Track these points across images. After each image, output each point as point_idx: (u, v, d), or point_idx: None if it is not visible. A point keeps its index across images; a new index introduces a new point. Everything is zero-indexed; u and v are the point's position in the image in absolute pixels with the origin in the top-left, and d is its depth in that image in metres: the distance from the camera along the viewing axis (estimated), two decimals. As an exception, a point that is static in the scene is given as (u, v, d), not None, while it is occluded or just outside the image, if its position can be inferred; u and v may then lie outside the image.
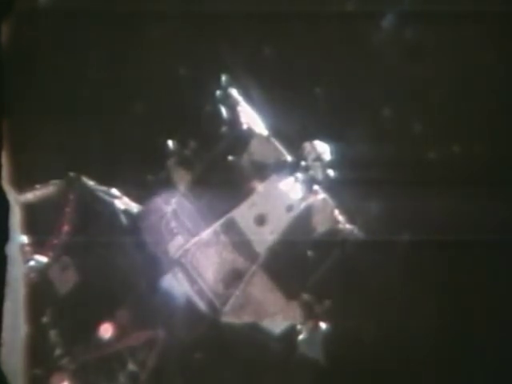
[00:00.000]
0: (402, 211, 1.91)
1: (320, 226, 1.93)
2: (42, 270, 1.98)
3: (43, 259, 1.98)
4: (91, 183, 1.98)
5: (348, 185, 1.93)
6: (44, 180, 2.00)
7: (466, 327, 1.91)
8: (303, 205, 1.93)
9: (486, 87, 1.97)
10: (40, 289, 1.98)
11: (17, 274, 1.99)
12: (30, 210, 1.99)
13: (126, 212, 1.97)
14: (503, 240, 1.92)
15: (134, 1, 2.00)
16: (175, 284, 1.94)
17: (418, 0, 1.98)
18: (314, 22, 1.98)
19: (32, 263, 1.97)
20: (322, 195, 1.94)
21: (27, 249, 1.98)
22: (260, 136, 1.96)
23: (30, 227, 2.00)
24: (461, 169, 1.95)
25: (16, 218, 2.01)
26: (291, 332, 1.93)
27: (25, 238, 1.98)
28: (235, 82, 1.97)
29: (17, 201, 2.01)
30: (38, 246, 1.98)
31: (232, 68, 1.97)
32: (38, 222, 1.99)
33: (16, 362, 1.96)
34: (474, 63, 1.97)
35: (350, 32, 1.98)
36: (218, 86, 1.98)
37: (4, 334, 1.97)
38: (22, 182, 2.01)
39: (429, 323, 1.91)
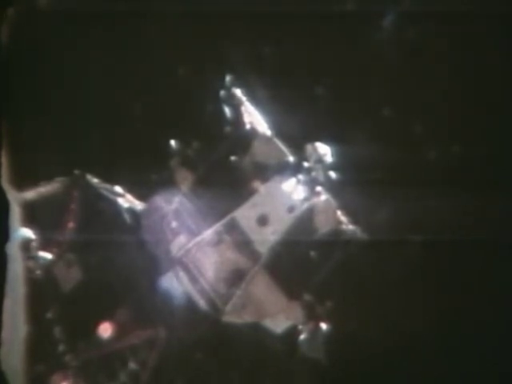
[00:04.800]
0: (403, 212, 1.86)
1: (322, 226, 1.88)
2: (47, 267, 1.93)
3: (48, 256, 1.93)
4: (95, 181, 1.93)
5: (350, 186, 1.88)
6: (45, 179, 1.95)
7: (466, 327, 1.87)
8: (305, 206, 1.88)
9: (486, 87, 1.91)
10: (44, 286, 1.93)
11: (17, 272, 1.94)
12: (35, 207, 1.94)
13: (130, 210, 1.92)
14: (503, 240, 1.86)
15: (134, 1, 1.94)
16: (177, 283, 1.89)
17: (418, 0, 1.92)
18: (314, 22, 1.92)
19: (37, 260, 1.93)
20: (324, 196, 1.88)
21: (32, 245, 1.93)
22: (263, 136, 1.91)
23: (35, 224, 1.95)
24: (461, 169, 1.90)
25: (16, 216, 1.95)
26: (293, 332, 1.88)
27: (30, 235, 1.93)
28: (239, 81, 1.92)
29: (17, 200, 1.96)
30: (43, 242, 1.94)
31: (235, 68, 1.92)
32: (43, 219, 1.95)
33: (16, 361, 1.91)
34: (474, 63, 1.91)
35: (350, 32, 1.92)
36: (222, 85, 1.92)
37: (4, 333, 1.92)
38: (23, 180, 1.96)
39: (429, 323, 1.86)
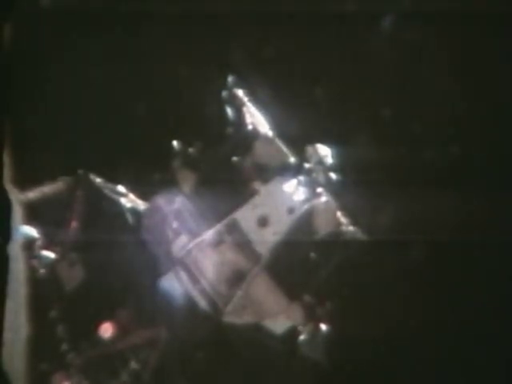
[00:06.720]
0: (404, 213, 1.82)
1: (323, 228, 1.83)
2: (50, 266, 1.89)
3: (51, 255, 1.89)
4: (98, 180, 1.89)
5: (351, 187, 1.84)
6: (48, 178, 1.91)
7: (466, 328, 1.82)
8: (305, 207, 1.84)
9: (486, 87, 1.87)
10: (47, 285, 1.89)
11: (19, 272, 1.90)
12: (38, 206, 1.90)
13: (132, 210, 1.89)
14: (503, 240, 1.82)
15: (135, 1, 1.90)
16: (178, 283, 1.85)
17: (418, 0, 1.87)
18: (314, 22, 1.87)
19: (40, 259, 1.89)
20: (325, 197, 1.84)
21: (35, 245, 1.89)
22: (264, 137, 1.87)
23: (38, 223, 1.90)
24: (461, 169, 1.85)
25: (18, 217, 1.91)
26: (293, 333, 1.84)
27: (33, 234, 1.89)
28: (241, 82, 1.88)
29: (19, 200, 1.91)
30: (47, 242, 1.90)
31: (236, 69, 1.88)
32: (47, 218, 1.91)
33: (18, 361, 1.87)
34: (474, 63, 1.87)
35: (349, 32, 1.88)
36: (224, 86, 1.88)
37: (6, 333, 1.88)
38: (25, 180, 1.92)
39: (429, 324, 1.82)
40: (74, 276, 1.89)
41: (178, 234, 1.86)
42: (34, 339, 1.87)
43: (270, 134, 1.86)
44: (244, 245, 1.83)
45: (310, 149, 1.85)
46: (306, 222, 1.83)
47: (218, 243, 1.84)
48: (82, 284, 1.88)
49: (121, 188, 1.90)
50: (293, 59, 1.88)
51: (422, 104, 1.86)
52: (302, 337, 1.84)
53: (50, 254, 1.90)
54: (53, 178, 1.91)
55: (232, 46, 1.88)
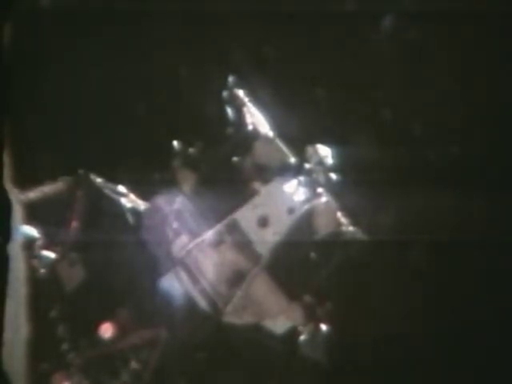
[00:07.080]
0: (404, 213, 1.81)
1: (323, 228, 1.82)
2: (51, 266, 1.88)
3: (52, 255, 1.88)
4: (99, 180, 1.88)
5: (351, 187, 1.83)
6: (48, 178, 1.90)
7: (466, 328, 1.81)
8: (306, 207, 1.83)
9: (486, 87, 1.85)
10: (47, 285, 1.88)
11: (19, 272, 1.89)
12: (39, 206, 1.90)
13: (133, 210, 1.88)
14: (503, 240, 1.80)
15: (135, 0, 1.89)
16: (178, 284, 1.84)
17: (418, 0, 1.86)
18: (314, 21, 1.86)
19: (40, 259, 1.88)
20: (325, 198, 1.83)
21: (36, 244, 1.88)
22: (264, 137, 1.86)
23: (38, 223, 1.90)
24: (461, 169, 1.84)
25: (18, 216, 1.90)
26: (293, 333, 1.83)
27: (34, 234, 1.89)
28: (241, 82, 1.87)
29: (19, 199, 1.91)
30: (47, 242, 1.89)
31: (237, 69, 1.87)
32: (47, 218, 1.90)
33: (18, 361, 1.86)
34: (474, 63, 1.86)
35: (349, 32, 1.86)
36: (224, 86, 1.87)
37: (6, 334, 1.87)
38: (25, 180, 1.91)
39: (430, 325, 1.81)
40: (74, 276, 1.88)
41: (178, 234, 1.85)
42: (34, 339, 1.86)
43: (271, 134, 1.85)
44: (244, 245, 1.82)
45: (310, 149, 1.84)
46: (306, 222, 1.82)
47: (218, 243, 1.83)
48: (82, 284, 1.88)
49: (121, 188, 1.89)
50: (293, 59, 1.87)
51: (422, 104, 1.85)
52: (302, 337, 1.83)
53: (50, 254, 1.89)
54: (53, 177, 1.91)
55: (232, 46, 1.87)
